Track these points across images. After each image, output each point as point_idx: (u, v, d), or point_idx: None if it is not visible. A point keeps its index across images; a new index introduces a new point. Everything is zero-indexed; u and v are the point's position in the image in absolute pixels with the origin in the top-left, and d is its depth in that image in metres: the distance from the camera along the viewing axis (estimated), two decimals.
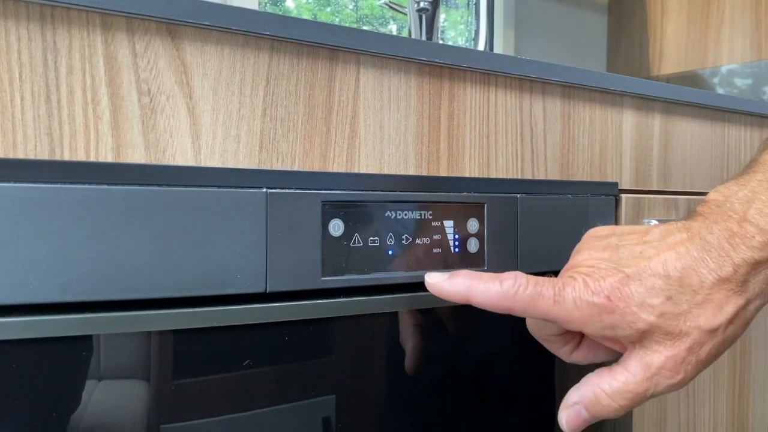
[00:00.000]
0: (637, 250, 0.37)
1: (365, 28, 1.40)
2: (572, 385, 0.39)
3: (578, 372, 0.40)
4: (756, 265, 0.35)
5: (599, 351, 0.42)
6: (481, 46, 1.22)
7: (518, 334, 0.46)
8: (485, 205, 0.50)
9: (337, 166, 0.47)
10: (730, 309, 0.35)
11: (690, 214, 0.39)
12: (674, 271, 0.35)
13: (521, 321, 0.46)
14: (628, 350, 0.38)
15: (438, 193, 0.48)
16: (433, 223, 0.47)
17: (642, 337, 0.36)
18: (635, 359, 0.37)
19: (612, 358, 0.41)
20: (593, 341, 0.41)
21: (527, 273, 0.51)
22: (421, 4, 1.00)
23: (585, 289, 0.36)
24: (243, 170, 0.41)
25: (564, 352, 0.43)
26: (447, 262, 0.48)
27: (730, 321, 0.36)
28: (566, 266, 0.40)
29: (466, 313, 0.50)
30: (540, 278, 0.38)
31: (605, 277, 0.36)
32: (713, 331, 0.35)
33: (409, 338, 0.47)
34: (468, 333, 0.50)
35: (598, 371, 0.38)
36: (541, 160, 0.59)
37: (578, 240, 0.42)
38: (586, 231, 0.42)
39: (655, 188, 0.69)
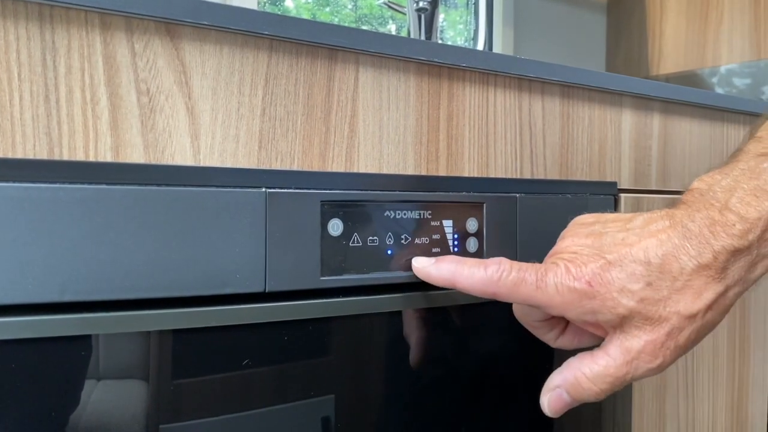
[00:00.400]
0: (620, 236, 0.37)
1: (364, 27, 1.40)
2: None
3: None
4: (735, 253, 0.36)
5: (584, 336, 0.43)
6: (480, 46, 1.22)
7: (519, 331, 0.46)
8: (484, 204, 0.50)
9: (336, 165, 0.47)
10: (709, 295, 0.36)
11: (675, 202, 0.39)
12: (655, 258, 0.36)
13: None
14: (608, 335, 0.38)
15: (437, 193, 0.48)
16: (432, 223, 0.47)
17: (622, 322, 0.37)
18: (615, 344, 0.37)
19: (597, 343, 0.41)
20: (578, 327, 0.42)
21: None
22: (420, 4, 1.00)
23: (566, 275, 0.37)
24: (242, 170, 0.41)
25: (550, 338, 0.44)
26: None
27: (709, 307, 0.36)
28: (550, 252, 0.40)
29: (469, 308, 0.50)
30: (524, 264, 0.38)
31: (587, 263, 0.37)
32: (692, 317, 0.36)
33: (413, 332, 0.47)
34: (468, 329, 0.50)
35: (579, 355, 0.39)
36: (540, 160, 0.59)
37: None
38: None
39: (654, 188, 0.69)
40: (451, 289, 0.47)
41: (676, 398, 0.72)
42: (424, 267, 0.42)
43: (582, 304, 0.37)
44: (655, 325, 0.36)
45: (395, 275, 0.46)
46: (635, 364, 0.37)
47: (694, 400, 0.74)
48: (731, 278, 0.36)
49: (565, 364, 0.40)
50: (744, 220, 0.35)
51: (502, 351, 0.52)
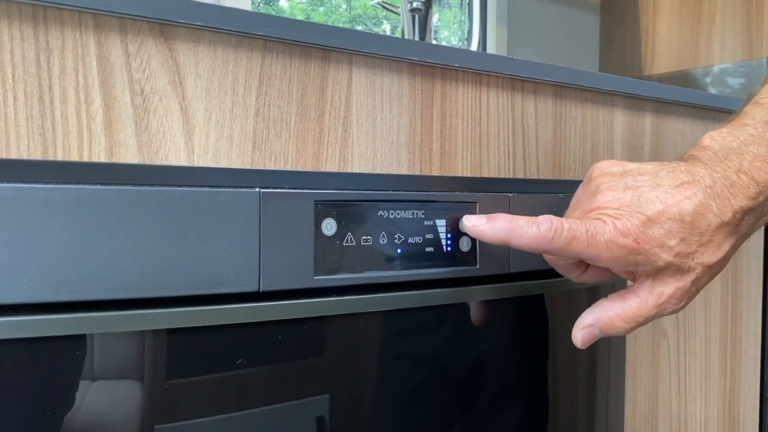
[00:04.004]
0: (653, 194, 0.41)
1: (358, 27, 1.41)
2: (565, 386, 0.40)
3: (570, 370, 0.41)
4: (749, 211, 0.41)
5: (605, 275, 0.47)
6: (474, 46, 1.22)
7: (513, 331, 0.46)
8: (477, 204, 0.50)
9: (330, 165, 0.47)
10: (726, 247, 0.41)
11: (688, 157, 0.43)
12: (687, 216, 0.40)
13: (517, 322, 0.46)
14: (640, 280, 0.43)
15: (430, 193, 0.48)
16: (426, 222, 0.48)
17: (657, 272, 0.41)
18: (647, 289, 0.42)
19: (614, 280, 0.47)
20: (599, 267, 0.46)
21: (519, 272, 0.52)
22: (414, 4, 1.00)
23: (615, 232, 0.41)
24: (236, 170, 0.41)
25: (573, 276, 0.48)
26: (439, 261, 0.48)
27: (725, 257, 0.42)
28: (590, 205, 0.43)
29: (460, 314, 0.50)
30: (572, 221, 0.41)
31: (631, 221, 0.41)
32: (712, 266, 0.42)
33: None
34: (461, 333, 0.51)
35: (610, 297, 0.44)
36: (533, 160, 0.59)
37: None
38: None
39: None
40: (441, 288, 0.48)
41: (669, 396, 0.72)
42: (476, 226, 0.43)
43: (628, 259, 0.41)
44: (684, 274, 0.41)
45: (389, 274, 0.46)
46: (664, 306, 0.42)
47: (687, 399, 0.75)
48: (741, 232, 0.42)
49: (596, 305, 0.44)
50: (757, 183, 0.40)
51: (497, 351, 0.53)
